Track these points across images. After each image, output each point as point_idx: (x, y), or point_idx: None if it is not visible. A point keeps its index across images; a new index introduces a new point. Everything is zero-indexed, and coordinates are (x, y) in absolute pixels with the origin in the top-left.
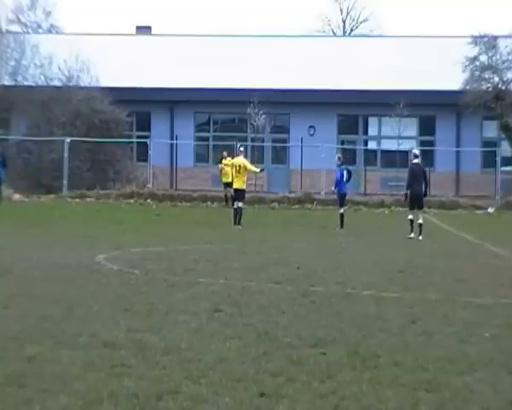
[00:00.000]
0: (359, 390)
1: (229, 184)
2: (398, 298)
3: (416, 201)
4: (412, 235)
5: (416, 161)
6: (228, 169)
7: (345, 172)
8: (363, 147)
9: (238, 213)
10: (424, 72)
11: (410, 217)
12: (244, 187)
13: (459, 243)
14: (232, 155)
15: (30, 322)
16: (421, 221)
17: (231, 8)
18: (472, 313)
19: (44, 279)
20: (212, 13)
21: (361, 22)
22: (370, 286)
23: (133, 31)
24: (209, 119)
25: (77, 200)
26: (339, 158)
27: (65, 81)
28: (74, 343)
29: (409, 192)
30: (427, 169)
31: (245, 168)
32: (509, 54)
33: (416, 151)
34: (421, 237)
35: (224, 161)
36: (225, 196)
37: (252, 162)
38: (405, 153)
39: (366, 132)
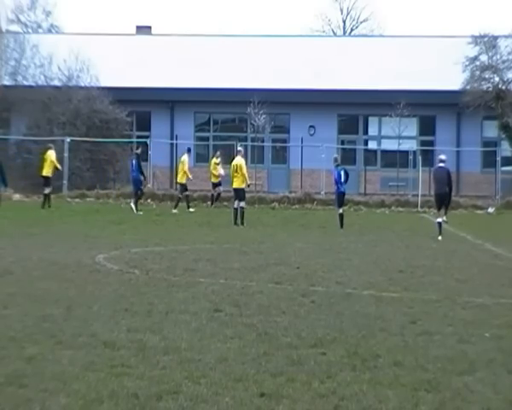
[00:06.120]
0: (359, 390)
1: (217, 185)
2: (398, 298)
3: (439, 201)
4: (440, 237)
5: (441, 165)
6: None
7: (342, 173)
8: (363, 147)
9: (240, 212)
10: (424, 72)
11: (439, 220)
12: (243, 186)
13: (459, 243)
14: (228, 154)
15: (30, 322)
16: (440, 220)
17: (231, 8)
18: (472, 313)
19: (44, 279)
20: (212, 13)
21: (361, 22)
22: (370, 286)
23: (133, 31)
24: (209, 119)
25: (77, 200)
26: (335, 159)
27: (65, 81)
28: (74, 343)
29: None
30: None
31: (241, 169)
32: (509, 54)
33: (442, 156)
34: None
35: (214, 160)
36: (212, 195)
37: (252, 162)
38: (405, 153)
39: (366, 132)
